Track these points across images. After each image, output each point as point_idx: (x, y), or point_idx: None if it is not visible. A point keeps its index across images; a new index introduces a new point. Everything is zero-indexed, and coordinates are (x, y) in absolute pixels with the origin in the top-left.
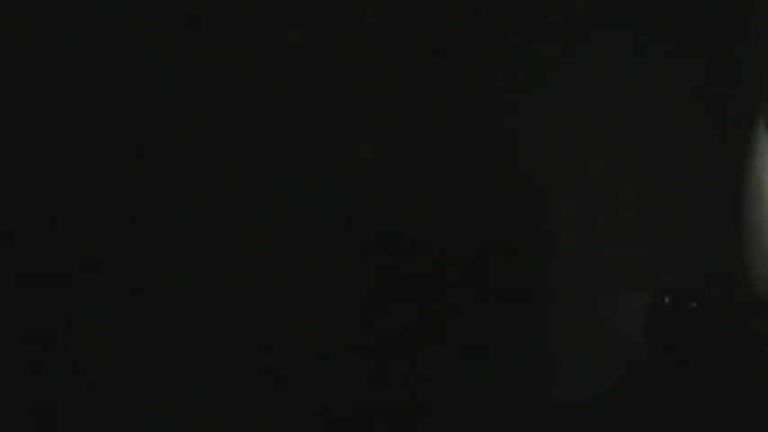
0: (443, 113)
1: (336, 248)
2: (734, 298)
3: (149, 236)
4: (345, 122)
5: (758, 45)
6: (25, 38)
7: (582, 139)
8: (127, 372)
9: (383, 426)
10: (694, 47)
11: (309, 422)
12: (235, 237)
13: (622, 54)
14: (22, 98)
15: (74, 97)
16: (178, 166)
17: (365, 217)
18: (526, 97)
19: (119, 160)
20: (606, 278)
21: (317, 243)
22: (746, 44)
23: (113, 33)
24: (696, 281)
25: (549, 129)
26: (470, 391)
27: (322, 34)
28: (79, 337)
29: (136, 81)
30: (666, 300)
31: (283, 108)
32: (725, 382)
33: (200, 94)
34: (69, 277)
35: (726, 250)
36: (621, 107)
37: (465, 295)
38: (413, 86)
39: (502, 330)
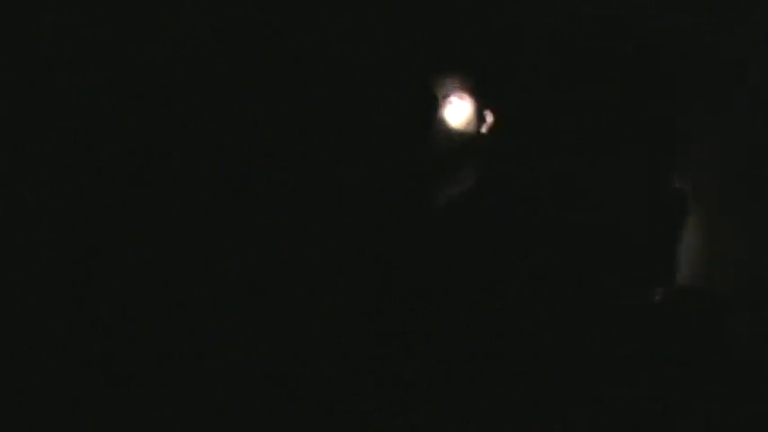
0: None
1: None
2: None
3: (148, 234)
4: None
5: None
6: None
7: None
8: (127, 371)
9: (386, 426)
10: None
11: (310, 422)
12: (235, 235)
13: None
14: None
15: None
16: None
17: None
18: None
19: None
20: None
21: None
22: None
23: None
24: None
25: None
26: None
27: None
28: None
29: None
30: (669, 297)
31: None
32: (725, 379)
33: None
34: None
35: None
36: None
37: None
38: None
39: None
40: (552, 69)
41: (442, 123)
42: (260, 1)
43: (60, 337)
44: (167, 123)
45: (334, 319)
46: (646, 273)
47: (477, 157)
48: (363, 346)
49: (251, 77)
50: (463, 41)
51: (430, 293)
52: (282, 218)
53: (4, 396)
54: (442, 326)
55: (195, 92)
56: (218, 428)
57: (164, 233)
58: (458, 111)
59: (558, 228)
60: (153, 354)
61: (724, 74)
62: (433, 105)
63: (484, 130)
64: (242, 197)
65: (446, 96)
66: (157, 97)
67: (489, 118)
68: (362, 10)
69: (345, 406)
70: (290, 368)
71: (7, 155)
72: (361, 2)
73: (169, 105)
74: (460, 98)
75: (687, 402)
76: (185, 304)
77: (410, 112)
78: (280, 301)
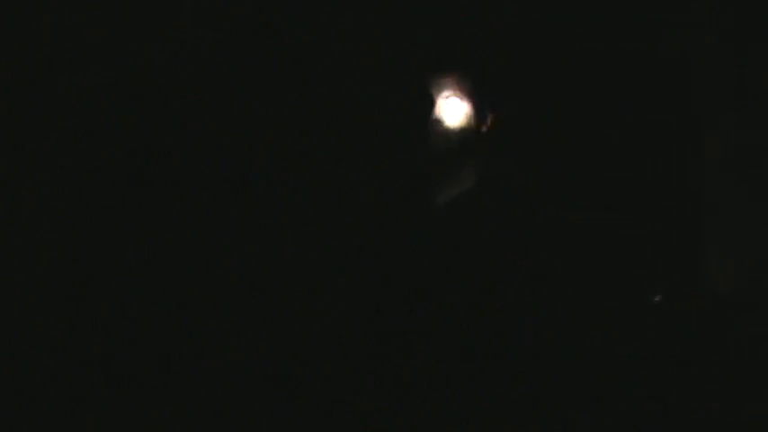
0: None
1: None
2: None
3: (148, 234)
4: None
5: None
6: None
7: None
8: (127, 371)
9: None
10: None
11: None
12: (236, 235)
13: None
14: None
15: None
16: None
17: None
18: None
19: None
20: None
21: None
22: None
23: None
24: None
25: None
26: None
27: None
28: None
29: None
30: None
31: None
32: (724, 380)
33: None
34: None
35: None
36: None
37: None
38: None
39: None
40: (552, 69)
41: (441, 123)
42: (260, 1)
43: (60, 337)
44: (167, 123)
45: (334, 319)
46: (646, 273)
47: (477, 157)
48: (363, 346)
49: (251, 77)
50: (463, 41)
51: (430, 293)
52: (282, 218)
53: (4, 396)
54: (441, 326)
55: (195, 92)
56: (219, 428)
57: (163, 233)
58: (458, 111)
59: (558, 228)
60: (153, 354)
61: (724, 74)
62: (432, 105)
63: (484, 130)
64: (242, 197)
65: (446, 96)
66: (157, 97)
67: (489, 118)
68: (362, 10)
69: (345, 406)
70: (290, 368)
71: (7, 155)
72: (361, 2)
73: (169, 105)
74: (460, 98)
75: (687, 402)
76: (185, 304)
77: (410, 113)
78: (280, 301)
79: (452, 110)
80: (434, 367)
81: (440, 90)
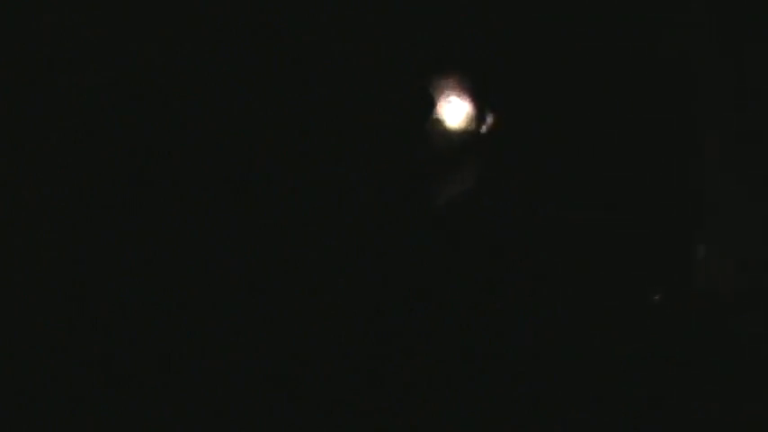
0: None
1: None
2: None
3: (148, 234)
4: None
5: None
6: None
7: None
8: (127, 371)
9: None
10: None
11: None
12: (236, 235)
13: None
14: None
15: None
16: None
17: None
18: None
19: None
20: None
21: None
22: None
23: None
24: None
25: None
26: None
27: None
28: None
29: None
30: (666, 299)
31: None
32: (723, 380)
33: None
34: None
35: None
36: None
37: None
38: None
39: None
40: (552, 69)
41: (441, 123)
42: (260, 1)
43: (60, 337)
44: (167, 123)
45: (334, 320)
46: (646, 273)
47: (477, 157)
48: (363, 346)
49: (251, 77)
50: (463, 41)
51: (430, 294)
52: (282, 218)
53: (4, 396)
54: (441, 326)
55: (195, 92)
56: (219, 428)
57: (164, 233)
58: (458, 111)
59: (558, 228)
60: (153, 354)
61: (724, 73)
62: (432, 106)
63: (484, 130)
64: (242, 197)
65: (446, 96)
66: (157, 97)
67: (489, 118)
68: (362, 10)
69: (345, 406)
70: (290, 368)
71: (7, 155)
72: (361, 2)
73: (169, 105)
74: (460, 98)
75: (687, 402)
76: (185, 304)
77: (410, 113)
78: (280, 301)
79: (452, 110)
80: (434, 367)
81: (440, 90)
